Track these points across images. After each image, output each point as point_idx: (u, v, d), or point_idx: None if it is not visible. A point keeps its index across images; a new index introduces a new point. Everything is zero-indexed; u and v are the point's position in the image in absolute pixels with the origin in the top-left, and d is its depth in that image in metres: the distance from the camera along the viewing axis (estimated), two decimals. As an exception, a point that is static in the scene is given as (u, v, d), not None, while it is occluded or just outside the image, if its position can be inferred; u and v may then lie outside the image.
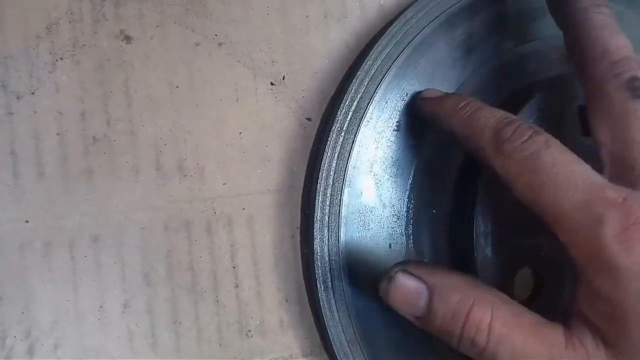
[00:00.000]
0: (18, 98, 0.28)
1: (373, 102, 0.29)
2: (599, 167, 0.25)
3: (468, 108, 0.27)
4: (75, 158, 0.28)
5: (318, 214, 0.29)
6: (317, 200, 0.29)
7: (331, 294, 0.29)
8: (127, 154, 0.29)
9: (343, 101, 0.29)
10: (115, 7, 0.29)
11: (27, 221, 0.27)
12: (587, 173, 0.24)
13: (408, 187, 0.30)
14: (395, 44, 0.30)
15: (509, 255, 0.29)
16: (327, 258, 0.29)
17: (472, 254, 0.28)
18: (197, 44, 0.30)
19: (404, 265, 0.26)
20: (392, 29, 0.30)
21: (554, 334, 0.24)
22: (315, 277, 0.29)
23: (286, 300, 0.30)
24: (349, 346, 0.29)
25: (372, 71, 0.29)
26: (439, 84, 0.31)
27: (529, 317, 0.25)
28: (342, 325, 0.29)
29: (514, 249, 0.29)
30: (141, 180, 0.29)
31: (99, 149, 0.28)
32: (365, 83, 0.29)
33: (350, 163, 0.29)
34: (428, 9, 0.30)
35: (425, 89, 0.30)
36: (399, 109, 0.30)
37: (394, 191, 0.30)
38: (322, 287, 0.29)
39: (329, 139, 0.29)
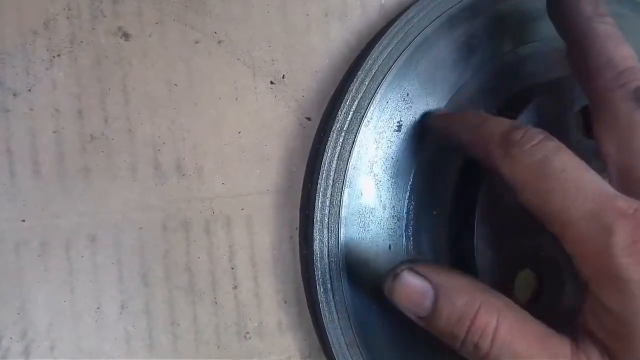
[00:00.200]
0: (14, 95, 0.27)
1: (374, 102, 0.29)
2: (601, 171, 0.25)
3: (477, 117, 0.27)
4: (72, 156, 0.28)
5: (318, 214, 0.28)
6: (317, 201, 0.28)
7: (330, 296, 0.28)
8: (125, 153, 0.28)
9: (344, 101, 0.29)
10: (114, 3, 0.28)
11: (23, 220, 0.27)
12: (597, 181, 0.23)
13: (408, 188, 0.30)
14: (396, 43, 0.29)
15: (509, 256, 0.29)
16: (326, 259, 0.28)
17: (472, 256, 0.28)
18: (197, 42, 0.29)
19: (411, 263, 0.26)
20: (393, 29, 0.29)
21: (561, 345, 0.24)
22: (314, 278, 0.28)
23: (285, 302, 0.30)
24: (348, 349, 0.29)
25: (373, 71, 0.29)
26: (440, 85, 0.30)
27: (535, 326, 0.24)
28: (341, 328, 0.29)
29: (514, 250, 0.29)
30: (139, 180, 0.28)
31: (96, 147, 0.28)
32: (366, 83, 0.29)
33: (351, 163, 0.29)
34: (429, 9, 0.30)
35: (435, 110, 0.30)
36: (399, 109, 0.30)
37: (394, 192, 0.30)
38: (322, 289, 0.28)
39: (330, 138, 0.29)
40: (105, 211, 0.28)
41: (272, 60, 0.30)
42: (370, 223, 0.29)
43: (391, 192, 0.30)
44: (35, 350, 0.27)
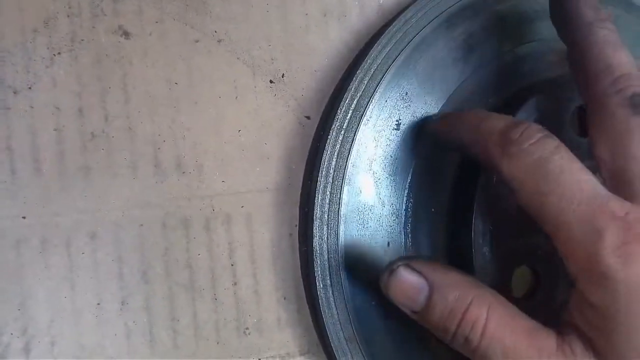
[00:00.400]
0: (15, 93, 0.27)
1: (373, 100, 0.29)
2: (594, 170, 0.25)
3: (476, 116, 0.27)
4: (73, 154, 0.28)
5: (317, 211, 0.29)
6: (316, 198, 0.29)
7: (330, 292, 0.29)
8: (125, 151, 0.28)
9: (343, 99, 0.29)
10: (114, 2, 0.28)
11: (23, 217, 0.27)
12: (592, 184, 0.24)
13: (407, 186, 0.30)
14: (395, 43, 0.30)
15: (507, 253, 0.29)
16: (326, 256, 0.29)
17: (470, 253, 0.29)
18: (197, 41, 0.29)
19: (407, 259, 0.26)
20: (392, 28, 0.30)
21: (547, 338, 0.24)
22: (314, 275, 0.29)
23: (284, 298, 0.30)
24: (347, 344, 0.29)
25: (372, 70, 0.29)
26: (438, 84, 0.31)
27: (523, 321, 0.25)
28: (340, 323, 0.29)
29: (512, 247, 0.29)
30: (139, 177, 0.29)
31: (97, 145, 0.28)
32: (365, 82, 0.29)
33: (350, 161, 0.29)
34: (428, 9, 0.30)
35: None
36: (398, 108, 0.30)
37: (393, 190, 0.30)
38: (321, 285, 0.29)
39: (329, 137, 0.29)
40: (106, 209, 0.28)
41: (272, 60, 0.30)
42: (369, 220, 0.30)
43: (390, 190, 0.30)
44: (35, 347, 0.27)
